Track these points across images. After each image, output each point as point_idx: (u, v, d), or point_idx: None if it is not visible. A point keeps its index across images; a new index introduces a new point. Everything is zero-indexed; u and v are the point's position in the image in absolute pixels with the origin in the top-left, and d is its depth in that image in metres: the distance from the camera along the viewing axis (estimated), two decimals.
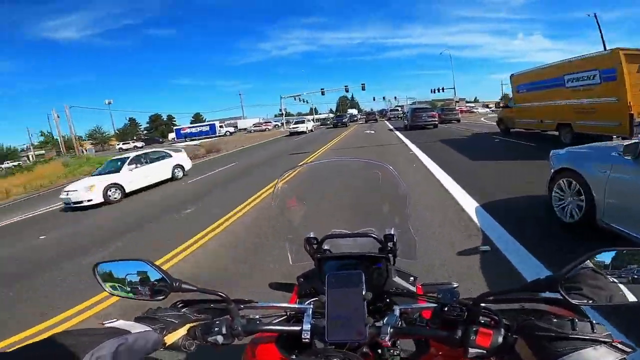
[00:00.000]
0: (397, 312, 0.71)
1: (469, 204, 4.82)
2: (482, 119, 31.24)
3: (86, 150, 42.42)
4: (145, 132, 73.67)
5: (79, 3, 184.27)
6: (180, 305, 0.79)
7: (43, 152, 49.50)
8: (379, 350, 0.75)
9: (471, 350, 0.58)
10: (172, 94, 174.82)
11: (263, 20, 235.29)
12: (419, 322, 0.72)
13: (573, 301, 0.54)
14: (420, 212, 4.61)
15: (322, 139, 22.17)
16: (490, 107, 45.53)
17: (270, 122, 60.36)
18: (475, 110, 50.46)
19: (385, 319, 0.70)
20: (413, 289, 0.90)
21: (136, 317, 0.69)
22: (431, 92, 51.63)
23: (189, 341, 0.70)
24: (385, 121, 41.78)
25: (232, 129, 54.72)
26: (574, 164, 3.58)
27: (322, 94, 49.14)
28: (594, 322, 0.51)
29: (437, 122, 22.00)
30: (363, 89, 48.56)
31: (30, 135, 57.79)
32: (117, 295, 0.76)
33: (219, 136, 46.30)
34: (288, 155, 15.24)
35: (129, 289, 0.75)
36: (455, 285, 0.88)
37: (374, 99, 75.49)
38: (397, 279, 0.89)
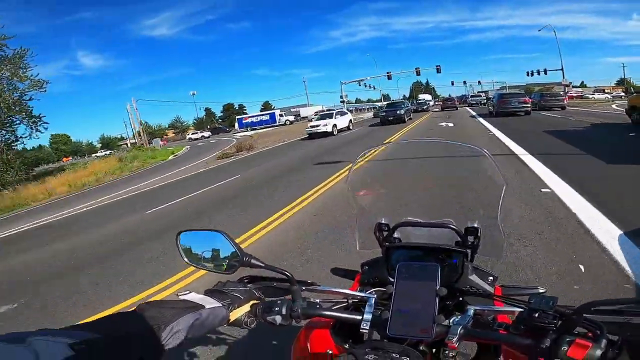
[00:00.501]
0: (470, 313, 0.65)
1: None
2: (614, 105, 23.33)
3: (151, 142, 39.85)
4: (220, 120, 78.27)
5: (165, 2, 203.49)
6: (247, 280, 0.79)
7: (134, 141, 55.81)
8: (434, 350, 0.71)
9: None
10: (247, 85, 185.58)
11: (331, 8, 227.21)
12: (496, 325, 0.64)
13: None
14: None
15: (358, 145, 13.15)
16: (609, 93, 38.77)
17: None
18: (588, 96, 41.12)
19: (456, 318, 0.64)
20: (491, 289, 0.80)
21: (206, 290, 0.69)
22: (527, 74, 42.44)
23: (250, 318, 0.70)
24: (467, 107, 37.09)
25: (292, 118, 51.74)
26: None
27: (389, 78, 41.90)
28: None
29: (529, 109, 18.69)
30: (438, 71, 38.04)
31: (126, 125, 65.70)
32: (192, 265, 0.79)
33: (279, 125, 44.89)
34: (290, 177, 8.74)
35: (203, 260, 0.78)
36: (542, 291, 0.81)
37: (452, 84, 65.63)
38: (473, 277, 0.80)
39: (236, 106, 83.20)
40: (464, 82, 76.70)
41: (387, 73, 41.07)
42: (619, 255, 2.54)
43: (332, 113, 21.60)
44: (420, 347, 0.66)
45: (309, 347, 0.76)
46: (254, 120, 49.79)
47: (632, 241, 2.70)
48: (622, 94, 37.26)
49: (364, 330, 0.66)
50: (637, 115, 10.35)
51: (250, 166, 11.97)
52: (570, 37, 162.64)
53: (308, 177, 7.90)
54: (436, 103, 44.87)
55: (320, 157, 10.94)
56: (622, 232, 2.87)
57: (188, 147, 31.99)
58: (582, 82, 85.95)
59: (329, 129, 19.08)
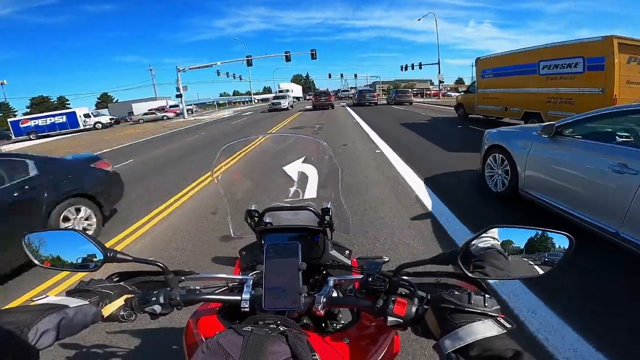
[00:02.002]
0: (331, 283, 0.74)
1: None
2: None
3: None
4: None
5: None
6: (116, 278, 0.77)
7: None
8: (323, 324, 0.83)
9: (390, 318, 0.61)
10: (116, 73, 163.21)
11: None
12: (349, 292, 0.76)
13: (469, 274, 0.59)
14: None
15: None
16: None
17: (178, 106, 38.72)
18: (452, 95, 44.06)
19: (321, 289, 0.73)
20: (348, 262, 0.92)
21: (68, 291, 0.67)
22: (401, 69, 41.08)
23: (127, 311, 0.69)
24: (338, 100, 39.65)
25: (107, 118, 34.14)
26: (503, 141, 4.06)
27: (249, 64, 31.75)
28: (487, 296, 0.54)
29: (376, 101, 28.62)
30: (313, 57, 29.05)
31: None
32: (49, 268, 0.73)
33: (83, 130, 30.40)
34: None
35: (60, 260, 0.72)
36: (386, 259, 0.87)
37: (329, 76, 65.08)
38: (333, 252, 0.91)
39: (54, 99, 65.77)
40: (341, 75, 76.77)
41: (247, 57, 31.09)
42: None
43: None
44: (304, 320, 0.75)
45: (198, 333, 0.76)
46: (41, 124, 31.23)
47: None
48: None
49: (244, 309, 0.69)
50: (462, 111, 13.90)
51: None
52: (424, 40, 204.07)
53: None
54: (307, 98, 35.70)
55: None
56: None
57: None
58: (431, 80, 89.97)
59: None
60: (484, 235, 0.61)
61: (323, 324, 0.82)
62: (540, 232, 0.60)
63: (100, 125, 31.74)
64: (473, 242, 0.61)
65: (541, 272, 0.60)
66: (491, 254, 0.61)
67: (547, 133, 3.27)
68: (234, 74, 48.35)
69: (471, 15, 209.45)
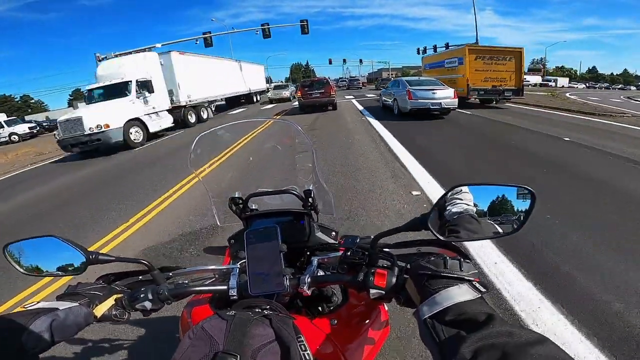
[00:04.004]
0: (315, 263, 0.75)
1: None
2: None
3: None
4: None
5: None
6: (103, 280, 0.78)
7: None
8: (320, 308, 0.85)
9: (372, 290, 0.62)
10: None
11: None
12: (332, 269, 0.77)
13: (442, 238, 0.59)
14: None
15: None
16: None
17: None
18: None
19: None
20: (335, 242, 0.94)
21: (58, 296, 0.68)
22: (417, 52, 34.88)
23: (119, 311, 0.70)
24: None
25: (25, 127, 24.65)
26: (387, 88, 13.51)
27: (207, 43, 22.13)
28: (463, 260, 0.56)
29: (361, 87, 41.70)
30: (304, 30, 21.83)
31: None
32: (35, 275, 0.73)
33: None
34: None
35: (44, 267, 0.72)
36: (372, 237, 0.91)
37: (330, 62, 58.50)
38: (319, 234, 0.94)
39: (18, 97, 55.79)
40: (344, 61, 64.05)
41: (204, 34, 22.55)
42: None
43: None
44: (299, 303, 0.79)
45: (191, 322, 0.77)
46: None
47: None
48: None
49: (233, 297, 0.71)
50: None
51: None
52: (424, 27, 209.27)
53: None
54: (293, 95, 24.16)
55: None
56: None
57: None
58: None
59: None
60: (454, 197, 0.60)
61: (320, 308, 0.83)
62: (503, 188, 0.60)
63: (16, 137, 23.36)
64: (447, 208, 0.61)
65: (510, 230, 0.60)
66: (464, 217, 0.61)
67: (383, 88, 12.75)
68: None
69: (472, 2, 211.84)
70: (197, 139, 1.02)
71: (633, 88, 55.20)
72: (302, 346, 0.54)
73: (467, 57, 13.71)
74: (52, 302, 0.63)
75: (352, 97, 23.04)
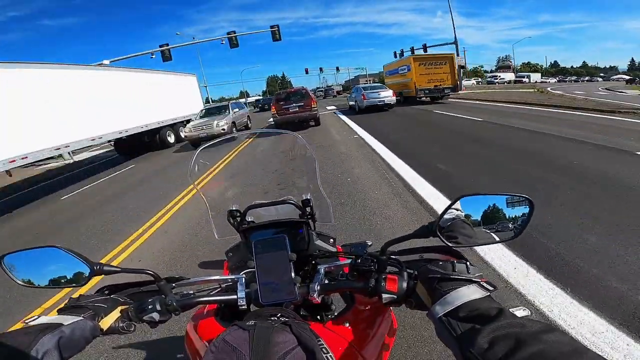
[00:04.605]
0: (322, 271, 0.76)
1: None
2: None
3: None
4: None
5: None
6: (107, 291, 0.76)
7: None
8: (319, 316, 0.87)
9: (384, 295, 0.64)
10: None
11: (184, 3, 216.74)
12: (340, 277, 0.78)
13: (449, 244, 0.61)
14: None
15: None
16: None
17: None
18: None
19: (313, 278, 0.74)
20: (333, 249, 0.96)
21: (59, 309, 0.66)
22: (394, 55, 34.18)
23: (125, 323, 0.69)
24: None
25: None
26: (351, 94, 18.17)
27: (165, 58, 20.45)
28: (468, 263, 0.59)
29: (335, 95, 47.09)
30: (275, 37, 20.94)
31: None
32: (34, 287, 0.71)
33: None
34: None
35: (45, 279, 0.71)
36: (369, 243, 0.98)
37: (306, 72, 58.75)
38: (318, 242, 0.95)
39: None
40: (320, 70, 65.67)
41: (161, 49, 20.59)
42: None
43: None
44: (301, 312, 0.78)
45: (199, 337, 0.76)
46: None
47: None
48: None
49: (242, 307, 0.71)
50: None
51: None
52: (395, 32, 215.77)
53: None
54: (246, 125, 15.28)
55: None
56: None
57: None
58: None
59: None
60: (458, 202, 0.62)
61: (318, 316, 0.84)
62: (501, 197, 0.62)
63: None
64: (447, 216, 0.63)
65: (506, 237, 0.62)
66: (457, 224, 0.63)
67: (349, 95, 16.68)
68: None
69: (438, 6, 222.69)
70: (197, 152, 1.06)
71: (599, 79, 58.10)
72: (324, 349, 0.55)
73: (412, 64, 17.66)
74: (54, 316, 0.61)
75: (328, 105, 26.32)
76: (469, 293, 0.53)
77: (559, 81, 56.32)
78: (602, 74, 76.24)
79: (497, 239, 0.63)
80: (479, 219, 0.63)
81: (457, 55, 23.99)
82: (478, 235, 0.63)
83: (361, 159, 6.40)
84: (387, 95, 15.46)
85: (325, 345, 0.56)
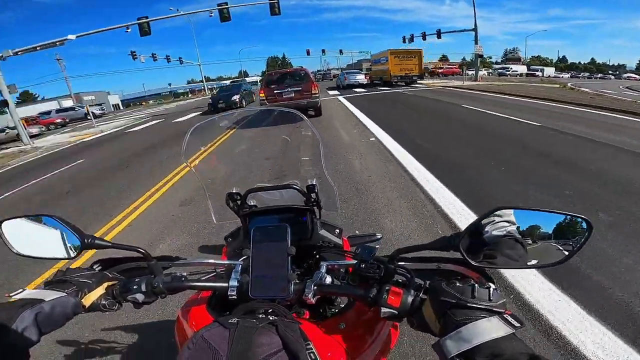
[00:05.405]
0: (323, 269, 0.71)
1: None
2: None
3: None
4: None
5: None
6: (98, 267, 0.74)
7: None
8: (321, 309, 0.79)
9: (383, 309, 0.58)
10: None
11: None
12: (341, 279, 0.73)
13: (473, 263, 0.54)
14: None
15: None
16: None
17: (73, 110, 28.23)
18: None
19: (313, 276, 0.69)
20: (339, 241, 0.92)
21: (45, 282, 0.65)
22: (403, 41, 32.95)
23: (109, 300, 0.67)
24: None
25: None
26: (340, 76, 28.05)
27: (142, 32, 17.18)
28: (492, 288, 0.51)
29: (332, 78, 46.96)
30: (275, 10, 18.12)
31: None
32: (26, 256, 0.70)
33: None
34: None
35: (38, 247, 0.70)
36: (379, 237, 0.94)
37: (307, 53, 54.63)
38: (323, 232, 0.90)
39: None
40: (323, 51, 62.05)
41: (138, 22, 17.23)
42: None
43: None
44: (297, 307, 0.73)
45: (188, 326, 0.73)
46: None
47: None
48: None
49: (232, 297, 0.67)
50: (369, 78, 28.71)
51: None
52: (401, 19, 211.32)
53: None
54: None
55: None
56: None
57: None
58: (444, 55, 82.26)
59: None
60: (496, 218, 0.55)
61: (320, 309, 0.80)
62: (558, 216, 0.54)
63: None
64: (487, 230, 0.55)
65: (559, 259, 0.54)
66: (507, 242, 0.55)
67: (338, 77, 24.66)
68: (178, 58, 36.13)
69: None
70: (191, 129, 1.00)
71: (612, 77, 54.79)
72: (311, 354, 0.51)
73: (389, 57, 23.64)
74: (38, 290, 0.61)
75: (327, 87, 28.53)
76: (490, 329, 0.45)
77: (571, 77, 52.25)
78: (610, 72, 75.64)
79: (536, 262, 0.56)
80: (535, 234, 0.55)
81: (476, 43, 25.46)
82: (528, 257, 0.55)
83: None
84: (361, 77, 25.62)
85: (314, 350, 0.52)
